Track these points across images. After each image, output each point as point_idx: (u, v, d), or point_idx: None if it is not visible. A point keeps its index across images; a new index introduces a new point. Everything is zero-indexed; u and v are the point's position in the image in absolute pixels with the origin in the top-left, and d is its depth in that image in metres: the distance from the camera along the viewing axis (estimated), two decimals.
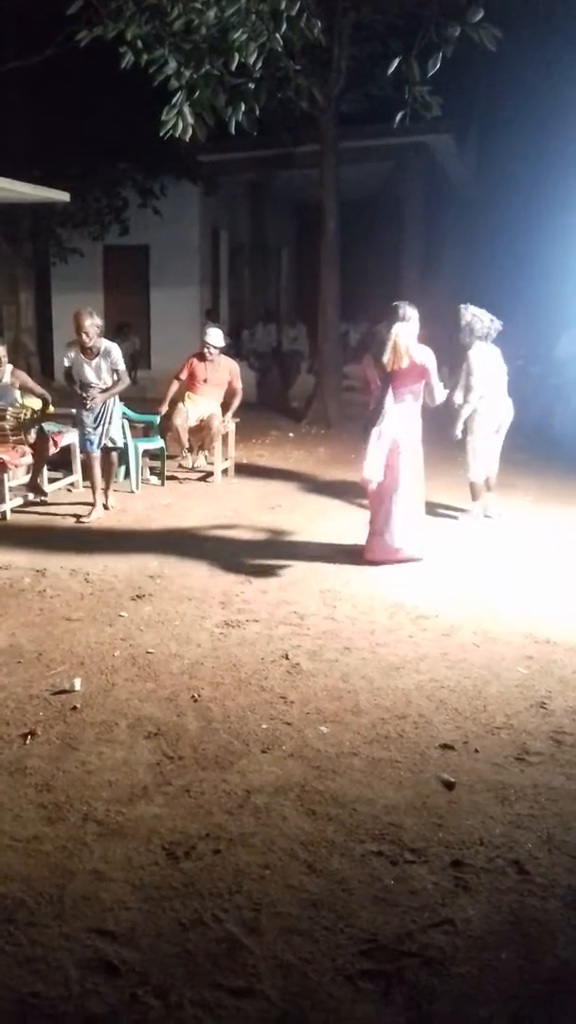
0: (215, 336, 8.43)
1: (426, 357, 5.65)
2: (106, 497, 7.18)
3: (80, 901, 2.59)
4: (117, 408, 7.04)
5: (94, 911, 2.55)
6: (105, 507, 7.10)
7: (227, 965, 2.37)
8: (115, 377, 6.80)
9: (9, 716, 3.69)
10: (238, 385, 8.62)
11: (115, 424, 7.00)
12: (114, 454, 7.19)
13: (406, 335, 5.63)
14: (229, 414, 8.57)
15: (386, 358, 5.61)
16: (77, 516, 6.93)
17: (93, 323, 6.63)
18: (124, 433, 7.78)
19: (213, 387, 8.45)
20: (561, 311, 12.75)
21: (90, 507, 6.98)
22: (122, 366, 6.83)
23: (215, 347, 8.37)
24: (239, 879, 2.70)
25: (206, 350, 8.37)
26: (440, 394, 5.80)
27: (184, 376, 8.46)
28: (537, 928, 2.55)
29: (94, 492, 7.02)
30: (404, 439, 5.72)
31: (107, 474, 7.16)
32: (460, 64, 6.71)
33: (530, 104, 14.58)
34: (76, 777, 3.25)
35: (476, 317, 6.68)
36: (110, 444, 7.04)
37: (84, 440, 6.96)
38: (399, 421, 5.68)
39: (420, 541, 5.92)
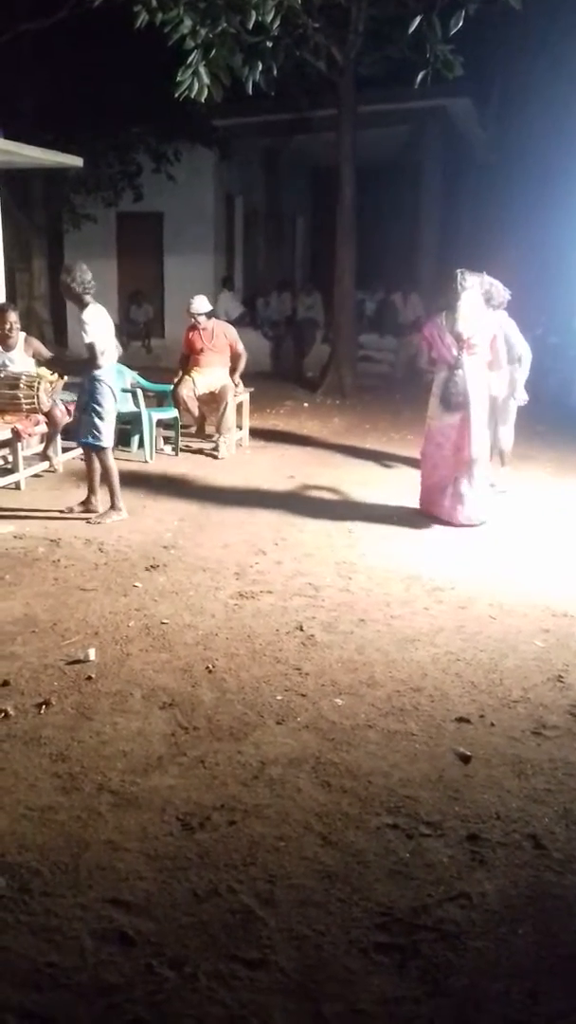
0: (198, 303, 8.37)
1: (492, 323, 6.14)
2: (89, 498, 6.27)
3: (95, 871, 2.59)
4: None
5: (109, 881, 2.55)
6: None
7: (242, 936, 2.36)
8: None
9: (24, 686, 3.69)
10: (239, 348, 8.54)
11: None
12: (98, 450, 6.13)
13: (472, 304, 5.99)
14: (237, 375, 8.51)
15: (460, 327, 5.94)
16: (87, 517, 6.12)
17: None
18: (138, 402, 7.75)
19: (215, 354, 8.38)
20: None
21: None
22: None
23: (200, 314, 8.30)
24: (254, 851, 2.70)
25: (193, 319, 8.31)
26: (504, 358, 6.28)
27: (186, 350, 8.44)
28: (554, 903, 2.53)
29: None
30: (475, 400, 6.01)
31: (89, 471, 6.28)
32: (482, 24, 6.54)
33: (552, 67, 14.26)
34: (91, 747, 3.24)
35: (494, 286, 6.58)
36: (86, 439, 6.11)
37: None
38: (472, 380, 6.00)
39: (484, 505, 6.18)
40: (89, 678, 3.76)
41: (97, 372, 5.82)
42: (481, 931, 2.42)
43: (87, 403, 5.91)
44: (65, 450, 7.56)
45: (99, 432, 5.91)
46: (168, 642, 4.15)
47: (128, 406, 7.63)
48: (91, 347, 5.74)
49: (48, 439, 7.16)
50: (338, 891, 2.54)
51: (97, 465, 6.12)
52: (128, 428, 7.91)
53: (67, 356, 9.32)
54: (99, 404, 5.86)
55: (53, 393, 6.86)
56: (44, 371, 6.97)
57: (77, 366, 6.30)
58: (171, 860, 2.65)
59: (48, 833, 2.76)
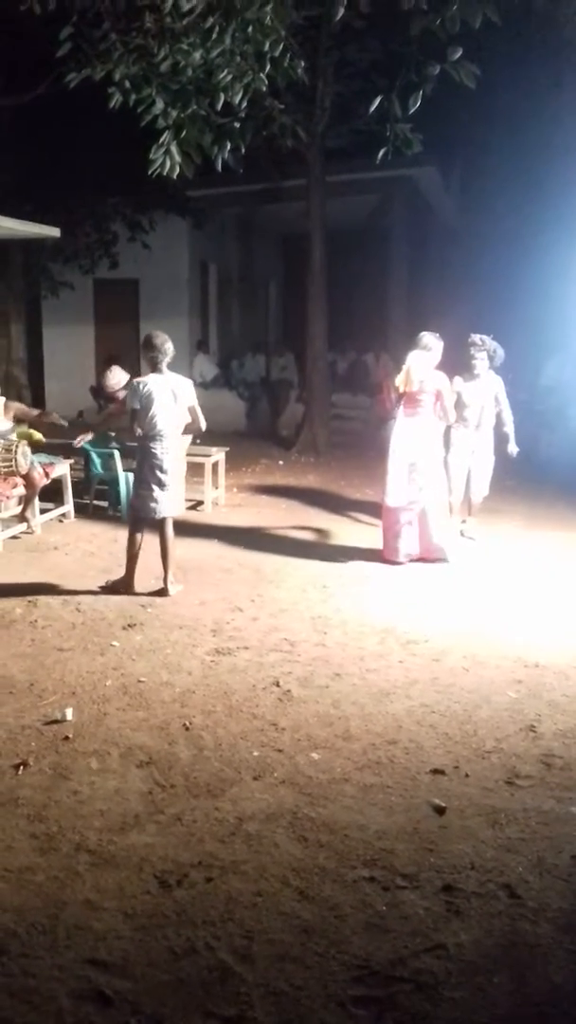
0: (112, 377, 8.52)
1: (439, 382, 6.49)
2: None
3: (72, 931, 2.59)
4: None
5: (86, 941, 2.56)
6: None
7: (219, 993, 2.37)
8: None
9: (1, 747, 3.69)
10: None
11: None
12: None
13: (419, 362, 6.43)
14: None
15: (399, 381, 6.49)
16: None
17: None
18: (116, 463, 7.85)
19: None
20: (545, 339, 12.93)
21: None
22: None
23: (116, 390, 8.40)
24: (231, 907, 2.71)
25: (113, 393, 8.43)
26: (451, 416, 6.68)
27: None
28: (529, 952, 2.56)
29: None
30: (420, 453, 6.45)
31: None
32: (443, 99, 6.86)
33: (512, 136, 14.90)
34: (68, 807, 3.25)
35: (498, 347, 7.26)
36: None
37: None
38: (413, 435, 6.46)
39: (447, 543, 6.63)
40: (66, 738, 3.77)
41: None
42: (457, 981, 2.44)
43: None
44: (43, 511, 7.62)
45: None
46: (145, 700, 4.17)
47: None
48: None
49: (26, 501, 7.23)
50: (315, 945, 2.56)
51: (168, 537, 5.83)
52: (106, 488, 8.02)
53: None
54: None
55: (29, 455, 6.95)
56: (24, 430, 7.08)
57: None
58: (148, 918, 2.66)
59: (25, 894, 2.76)
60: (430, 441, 6.55)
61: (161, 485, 5.66)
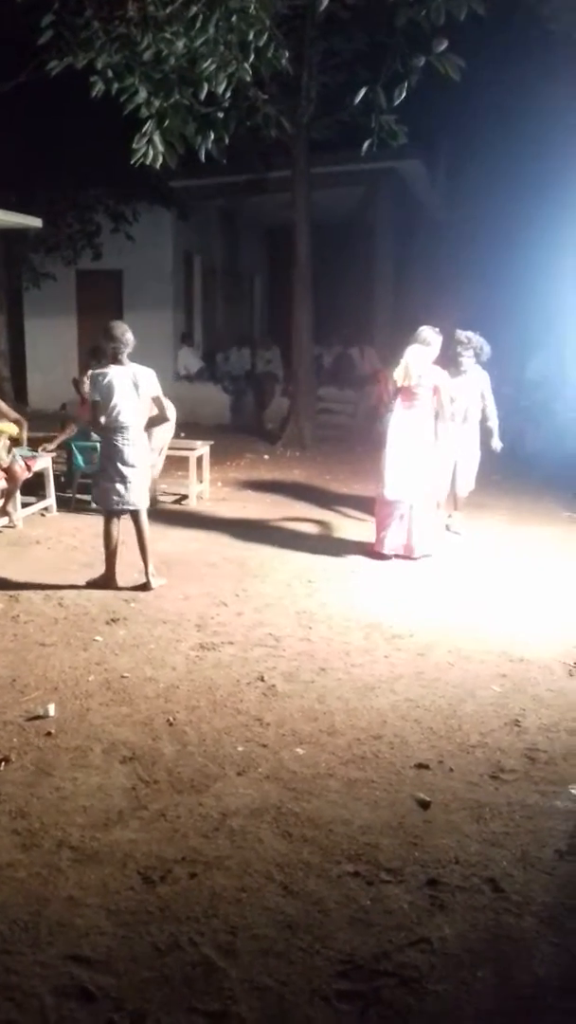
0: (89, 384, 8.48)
1: (438, 378, 6.49)
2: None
3: (55, 927, 2.57)
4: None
5: (69, 937, 2.54)
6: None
7: (203, 989, 2.36)
8: None
9: None
10: None
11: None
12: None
13: (417, 357, 6.41)
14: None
15: (396, 374, 6.43)
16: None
17: None
18: (98, 457, 7.80)
19: None
20: (531, 333, 12.97)
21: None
22: None
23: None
24: (215, 902, 2.70)
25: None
26: (448, 411, 6.68)
27: None
28: (513, 945, 2.56)
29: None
30: (415, 446, 6.44)
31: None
32: (428, 91, 6.84)
33: (498, 128, 14.88)
34: (50, 803, 3.23)
35: (484, 343, 7.30)
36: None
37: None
38: (408, 427, 6.45)
39: (430, 540, 6.61)
40: (49, 734, 3.74)
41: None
42: (441, 975, 2.44)
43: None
44: (25, 505, 7.56)
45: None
46: (128, 696, 4.15)
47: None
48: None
49: (8, 495, 7.17)
50: (299, 940, 2.55)
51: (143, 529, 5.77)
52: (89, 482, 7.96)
53: (27, 411, 9.36)
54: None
55: (12, 448, 6.90)
56: (6, 426, 7.01)
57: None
58: (132, 914, 2.64)
59: (7, 891, 2.73)
60: (426, 435, 6.54)
61: (123, 478, 5.59)
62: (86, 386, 6.34)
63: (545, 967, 2.48)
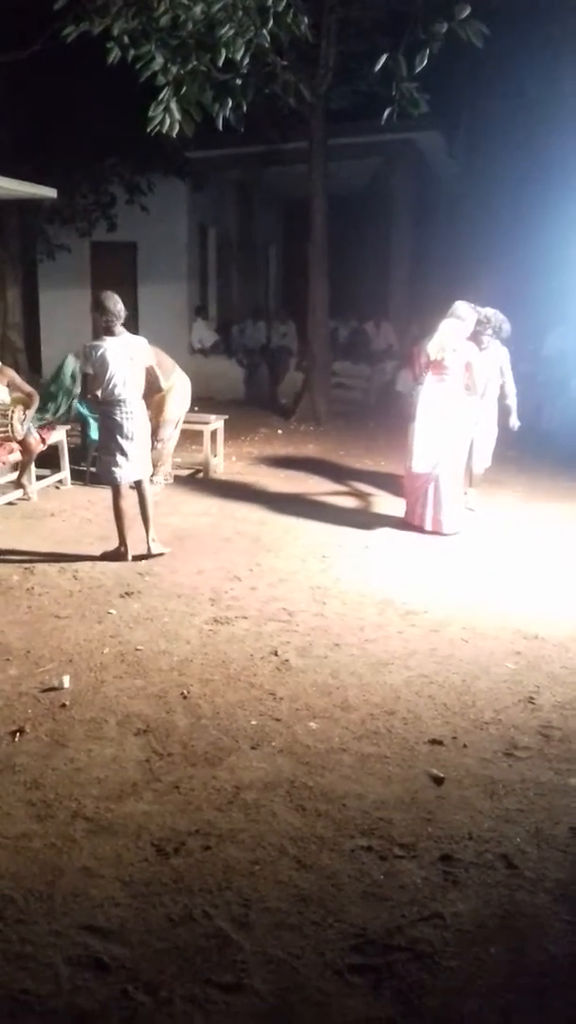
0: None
1: (470, 354, 6.43)
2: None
3: (70, 898, 2.59)
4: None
5: (84, 908, 2.55)
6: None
7: (217, 961, 2.37)
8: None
9: None
10: None
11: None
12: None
13: (451, 331, 6.36)
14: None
15: (429, 347, 6.37)
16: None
17: None
18: None
19: None
20: (549, 308, 12.80)
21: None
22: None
23: None
24: (229, 875, 2.71)
25: None
26: (479, 387, 6.58)
27: None
28: (526, 922, 2.56)
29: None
30: (444, 420, 6.39)
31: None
32: (448, 60, 6.72)
33: (519, 100, 14.62)
34: (65, 774, 3.24)
35: (493, 319, 7.11)
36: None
37: None
38: (438, 401, 6.39)
39: (458, 516, 6.57)
40: (63, 705, 3.76)
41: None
42: (454, 951, 2.44)
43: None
44: (39, 478, 7.56)
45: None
46: (143, 668, 4.15)
47: None
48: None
49: (23, 467, 7.17)
50: (313, 914, 2.56)
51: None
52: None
53: (40, 382, 9.33)
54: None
55: (26, 420, 6.88)
56: (19, 397, 6.98)
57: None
58: (146, 886, 2.65)
59: (22, 861, 2.75)
60: (455, 410, 6.48)
61: (123, 452, 5.56)
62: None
63: (558, 944, 2.48)
